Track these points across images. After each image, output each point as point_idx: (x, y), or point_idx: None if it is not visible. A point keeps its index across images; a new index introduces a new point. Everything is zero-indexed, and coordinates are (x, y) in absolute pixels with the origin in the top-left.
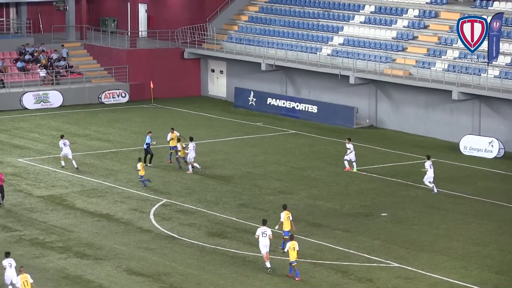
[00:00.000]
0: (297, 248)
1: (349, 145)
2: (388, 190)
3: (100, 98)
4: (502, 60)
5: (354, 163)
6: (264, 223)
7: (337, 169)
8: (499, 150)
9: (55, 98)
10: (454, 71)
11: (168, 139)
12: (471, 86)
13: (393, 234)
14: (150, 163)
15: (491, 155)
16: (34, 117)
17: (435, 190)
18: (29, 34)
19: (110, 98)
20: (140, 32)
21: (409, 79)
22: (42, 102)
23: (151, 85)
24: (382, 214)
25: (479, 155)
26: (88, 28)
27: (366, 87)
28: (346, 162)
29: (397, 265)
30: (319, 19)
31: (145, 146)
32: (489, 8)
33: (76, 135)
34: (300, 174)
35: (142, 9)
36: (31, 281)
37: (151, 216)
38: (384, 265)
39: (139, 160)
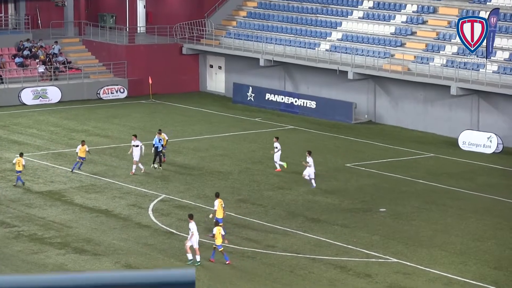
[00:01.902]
0: (222, 233)
1: (276, 144)
2: (387, 186)
3: (99, 93)
4: (500, 55)
5: (277, 164)
6: (191, 217)
7: (336, 164)
8: (497, 145)
9: (54, 93)
10: (453, 67)
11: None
12: (470, 82)
13: (392, 229)
14: (154, 163)
15: (489, 150)
16: (32, 113)
17: (314, 185)
18: (27, 30)
19: (108, 93)
20: (138, 28)
21: (407, 75)
22: (40, 98)
23: (150, 81)
24: (381, 210)
25: (478, 150)
26: (87, 24)
27: (364, 82)
28: (276, 164)
29: (396, 260)
30: (318, 15)
31: (159, 147)
32: (487, 3)
33: (74, 130)
34: (298, 170)
35: (140, 4)
36: None
37: (150, 212)
38: (383, 260)
39: (21, 155)
